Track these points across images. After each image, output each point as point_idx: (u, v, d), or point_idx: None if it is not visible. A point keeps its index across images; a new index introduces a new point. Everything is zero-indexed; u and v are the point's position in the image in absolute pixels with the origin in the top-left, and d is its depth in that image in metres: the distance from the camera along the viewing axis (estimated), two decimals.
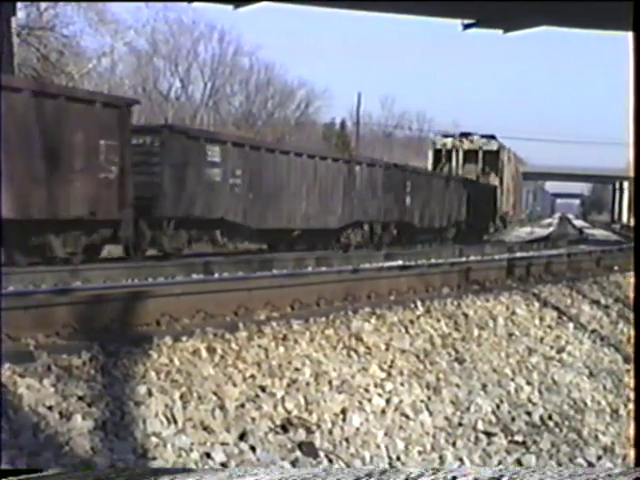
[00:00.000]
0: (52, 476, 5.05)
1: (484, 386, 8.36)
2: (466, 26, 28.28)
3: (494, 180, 47.35)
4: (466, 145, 47.03)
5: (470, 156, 46.69)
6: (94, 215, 16.69)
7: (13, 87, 15.22)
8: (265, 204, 23.15)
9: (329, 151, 35.63)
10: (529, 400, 8.45)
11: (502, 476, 3.70)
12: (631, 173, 7.30)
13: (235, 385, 6.56)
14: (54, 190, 15.70)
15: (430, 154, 48.90)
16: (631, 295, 14.39)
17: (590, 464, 7.31)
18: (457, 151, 46.76)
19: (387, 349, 8.39)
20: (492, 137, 48.25)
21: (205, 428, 5.88)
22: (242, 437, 5.96)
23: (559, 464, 7.11)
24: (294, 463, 5.85)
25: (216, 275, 16.03)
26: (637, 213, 7.80)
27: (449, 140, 47.79)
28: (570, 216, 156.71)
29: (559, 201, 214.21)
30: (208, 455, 5.62)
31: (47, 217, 15.74)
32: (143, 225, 18.85)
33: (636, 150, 6.92)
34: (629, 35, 7.90)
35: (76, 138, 16.15)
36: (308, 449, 6.07)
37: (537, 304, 12.28)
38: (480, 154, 46.91)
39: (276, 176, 23.72)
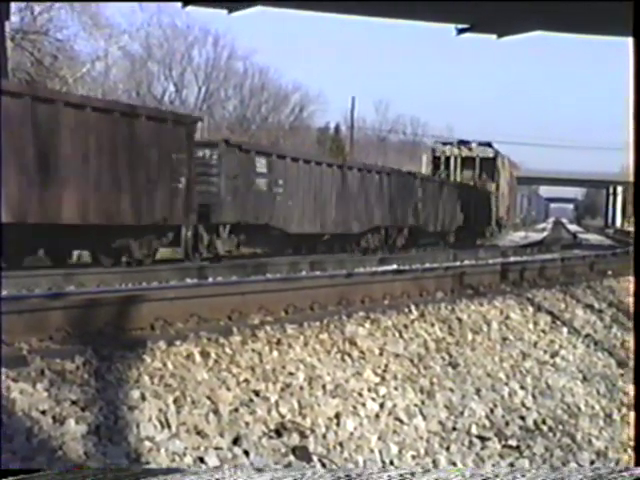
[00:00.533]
0: (51, 475, 5.05)
1: (478, 390, 8.37)
2: (460, 31, 28.30)
3: (490, 186, 48.84)
4: (464, 152, 48.73)
5: (467, 163, 48.28)
6: (166, 221, 18.76)
7: (102, 108, 17.53)
8: (302, 211, 25.39)
9: (355, 161, 37.31)
10: (523, 404, 8.46)
11: (496, 476, 3.70)
12: (631, 178, 7.32)
13: (229, 389, 6.56)
14: (136, 198, 17.74)
15: (424, 159, 50.53)
16: (625, 300, 14.42)
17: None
18: (455, 158, 48.32)
19: (381, 353, 8.39)
20: (488, 145, 50.01)
21: (199, 432, 5.87)
22: (236, 441, 5.95)
23: (552, 467, 7.11)
24: (287, 467, 5.85)
25: (210, 279, 16.03)
26: (637, 216, 7.81)
27: (447, 147, 49.53)
28: (564, 220, 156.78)
29: (553, 205, 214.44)
30: (202, 460, 5.62)
31: (129, 223, 17.75)
32: (201, 230, 20.72)
33: (636, 153, 6.93)
34: (629, 40, 7.92)
35: (154, 153, 18.28)
36: (302, 453, 6.07)
37: (531, 308, 12.29)
38: (477, 161, 48.52)
39: (311, 185, 25.96)
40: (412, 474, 3.80)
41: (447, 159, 48.33)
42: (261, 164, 23.19)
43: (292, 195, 24.77)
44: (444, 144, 50.73)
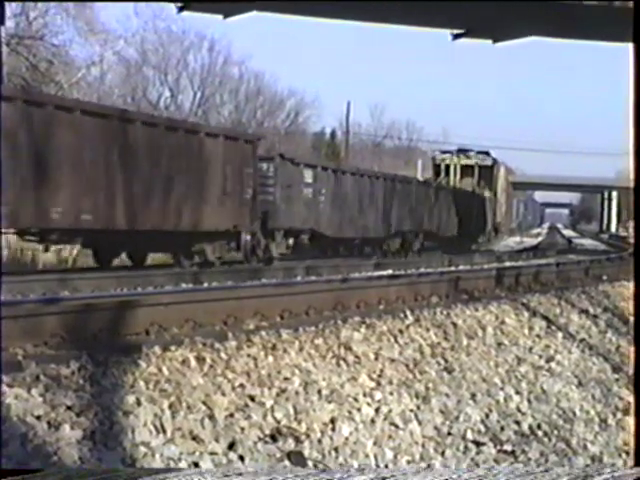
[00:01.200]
0: (50, 475, 5.04)
1: (473, 395, 8.37)
2: (455, 36, 28.35)
3: (488, 193, 50.66)
4: (463, 161, 50.61)
5: (467, 171, 50.11)
6: (236, 227, 21.11)
7: (190, 129, 20.39)
8: (340, 217, 27.99)
9: (382, 171, 40.29)
10: (518, 409, 8.46)
11: (494, 475, 3.71)
12: (631, 183, 7.34)
13: (224, 394, 6.55)
14: (215, 208, 20.24)
15: (420, 164, 51.98)
16: (620, 305, 14.45)
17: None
18: (455, 166, 50.13)
19: (376, 358, 8.40)
20: (487, 153, 52.13)
21: (194, 438, 5.87)
22: (231, 447, 5.95)
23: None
24: (283, 468, 5.85)
25: (205, 284, 16.01)
26: (637, 221, 7.82)
27: (447, 156, 51.43)
28: (559, 226, 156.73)
29: (548, 210, 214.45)
30: (197, 465, 5.62)
31: (208, 229, 20.07)
32: (259, 235, 22.76)
33: (636, 158, 6.95)
34: (629, 46, 7.94)
35: (229, 168, 20.78)
36: (297, 458, 6.07)
37: (526, 313, 12.30)
38: (476, 169, 50.37)
39: (346, 193, 28.56)
40: (404, 474, 3.81)
41: (447, 167, 50.05)
42: (308, 175, 25.92)
43: (332, 203, 27.38)
44: (444, 152, 52.68)
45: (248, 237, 21.70)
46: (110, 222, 17.26)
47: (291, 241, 25.19)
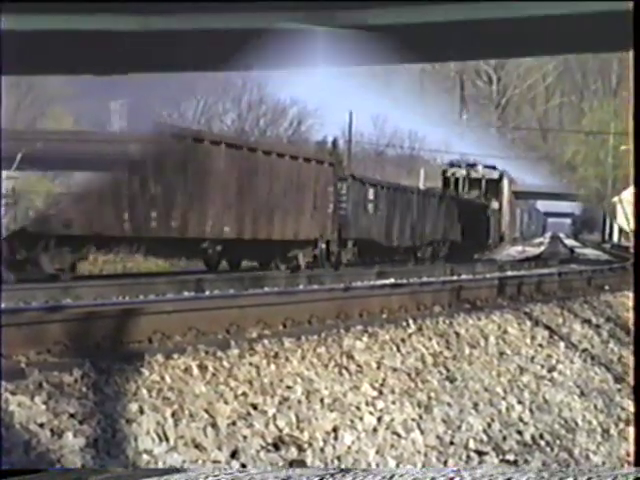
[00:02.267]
0: (51, 475, 5.06)
1: (475, 405, 8.37)
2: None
3: (495, 204, 53.39)
4: (472, 174, 53.16)
5: (474, 183, 52.85)
6: (321, 237, 25.11)
7: (293, 155, 24.56)
8: (391, 228, 32.40)
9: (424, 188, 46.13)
10: (520, 419, 8.46)
11: (502, 473, 3.72)
12: (631, 190, 7.35)
13: (227, 403, 6.56)
14: (308, 220, 24.33)
15: (422, 173, 54.70)
16: (622, 314, 14.44)
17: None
18: (463, 179, 52.75)
19: (378, 367, 8.40)
20: (493, 167, 55.38)
21: (197, 446, 5.88)
22: (234, 455, 5.95)
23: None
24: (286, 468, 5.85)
25: (207, 292, 16.01)
26: (637, 229, 7.83)
27: (456, 169, 53.95)
28: (561, 235, 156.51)
29: (550, 220, 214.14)
30: None
31: (303, 238, 24.05)
32: (333, 244, 26.43)
33: (636, 165, 6.97)
34: (629, 55, 7.97)
35: (318, 186, 25.07)
36: (299, 467, 6.07)
37: (529, 323, 12.29)
38: (483, 182, 53.15)
39: (397, 208, 32.93)
40: (407, 473, 3.81)
41: (456, 180, 52.37)
42: (371, 192, 30.32)
43: (386, 216, 31.72)
44: (452, 166, 55.15)
45: (323, 245, 25.32)
46: (241, 233, 21.45)
47: (356, 249, 29.01)
